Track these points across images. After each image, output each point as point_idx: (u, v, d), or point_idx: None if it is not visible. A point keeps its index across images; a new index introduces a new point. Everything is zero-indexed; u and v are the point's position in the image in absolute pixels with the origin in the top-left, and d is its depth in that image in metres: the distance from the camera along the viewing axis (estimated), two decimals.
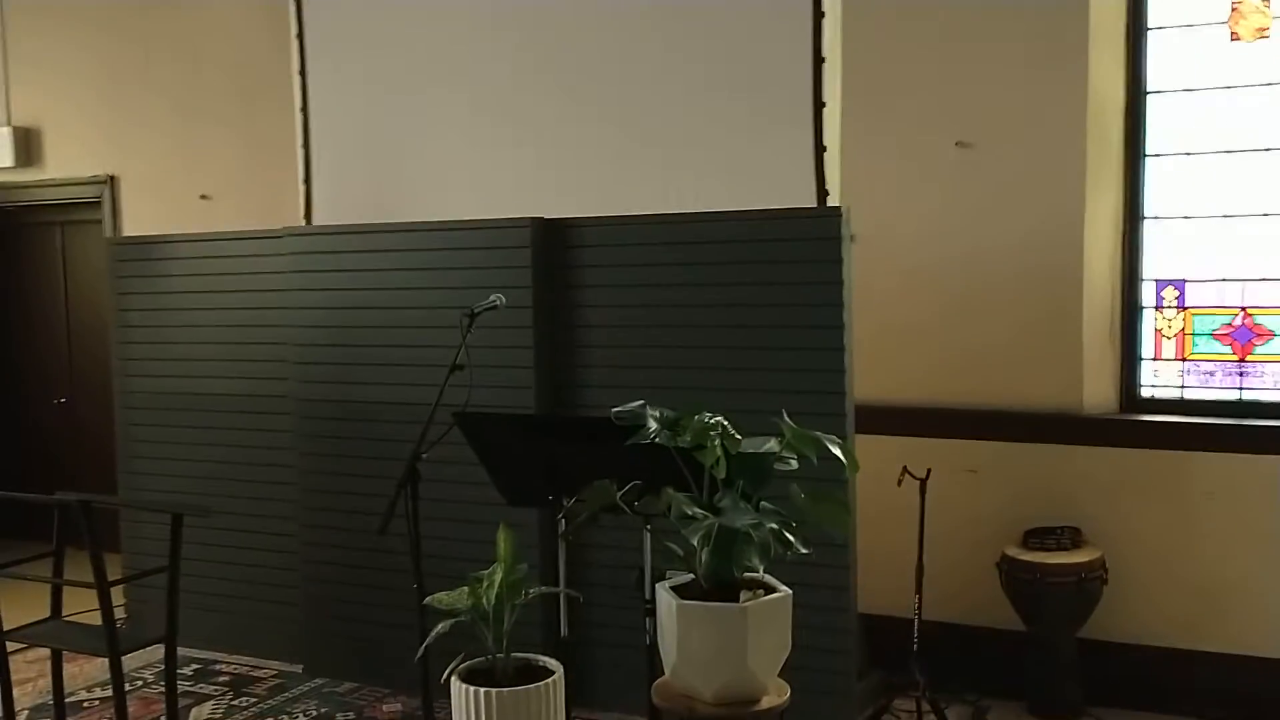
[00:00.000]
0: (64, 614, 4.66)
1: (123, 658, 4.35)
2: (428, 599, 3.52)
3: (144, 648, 4.68)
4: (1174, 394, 5.06)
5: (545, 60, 5.71)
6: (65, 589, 4.60)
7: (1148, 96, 5.03)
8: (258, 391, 5.44)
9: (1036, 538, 4.86)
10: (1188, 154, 4.98)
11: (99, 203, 7.48)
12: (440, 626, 3.34)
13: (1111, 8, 4.98)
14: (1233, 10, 4.87)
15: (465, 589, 3.37)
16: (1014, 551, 4.85)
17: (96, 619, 4.33)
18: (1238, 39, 4.87)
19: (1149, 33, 5.01)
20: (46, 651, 4.77)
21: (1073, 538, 4.85)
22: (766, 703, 2.82)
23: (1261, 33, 4.83)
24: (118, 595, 4.68)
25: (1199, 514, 4.80)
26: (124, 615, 5.51)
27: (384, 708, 4.99)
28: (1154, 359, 5.10)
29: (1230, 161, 4.90)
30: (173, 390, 5.69)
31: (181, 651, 4.68)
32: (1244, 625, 4.75)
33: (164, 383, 5.71)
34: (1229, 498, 4.75)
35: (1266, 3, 4.81)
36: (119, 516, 5.85)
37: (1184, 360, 5.04)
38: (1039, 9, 4.95)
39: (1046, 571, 4.69)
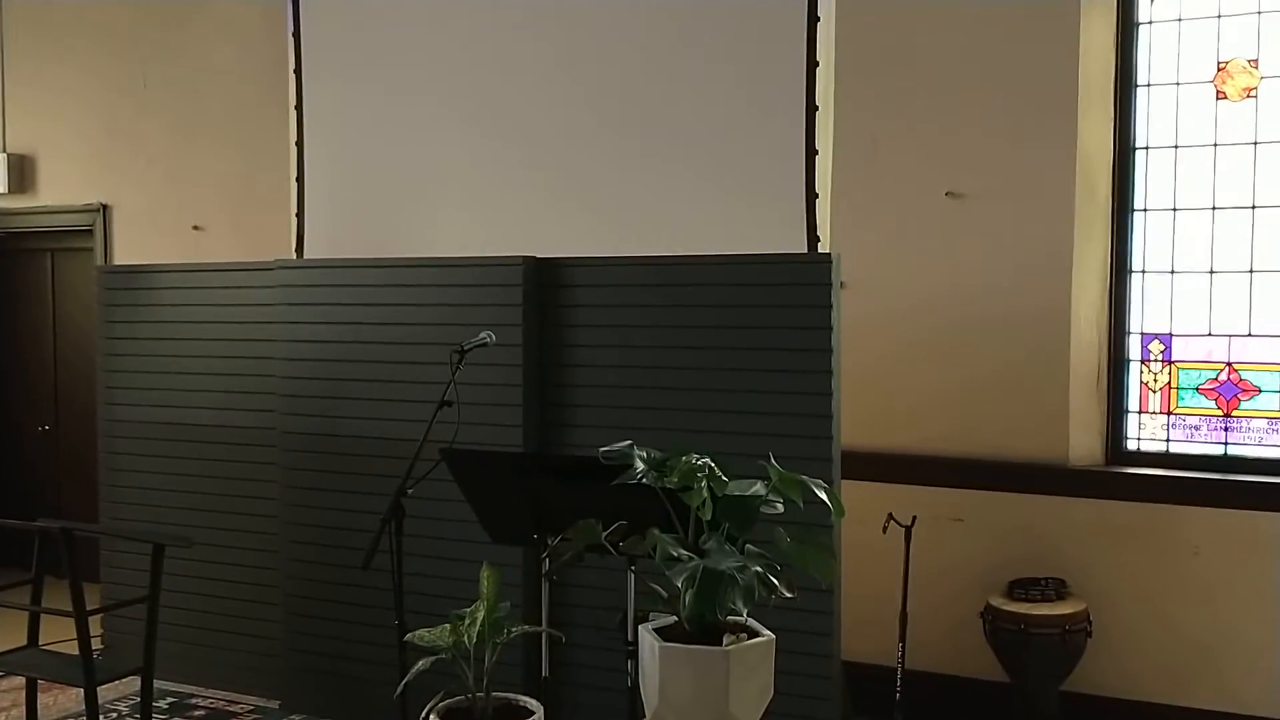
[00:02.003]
0: (41, 642, 4.62)
1: (98, 688, 4.31)
2: (408, 636, 3.48)
3: (120, 679, 4.63)
4: (1159, 447, 5.08)
5: (538, 102, 5.75)
6: (43, 617, 4.56)
7: (1136, 152, 5.09)
8: (243, 423, 5.43)
9: (1021, 588, 4.85)
10: (1175, 209, 5.03)
11: (91, 231, 7.49)
12: (420, 664, 3.31)
13: (1101, 64, 5.05)
14: (1219, 70, 4.94)
15: (447, 626, 3.34)
16: (998, 602, 4.84)
17: (73, 648, 4.30)
18: (1224, 98, 4.93)
19: (1138, 89, 5.07)
20: (22, 680, 4.72)
21: (1057, 589, 4.84)
22: None
23: (1248, 92, 4.90)
24: (95, 625, 4.65)
25: (1184, 568, 4.80)
26: (101, 645, 5.46)
27: None
28: (1139, 412, 5.12)
29: (1217, 218, 4.96)
30: (157, 420, 5.67)
31: (158, 684, 4.64)
32: (1229, 681, 4.74)
33: (149, 412, 5.69)
34: (1214, 552, 4.76)
35: (1253, 63, 4.88)
36: (99, 545, 5.81)
37: (1169, 414, 5.07)
38: (1030, 64, 5.01)
39: (1031, 622, 4.68)
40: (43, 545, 4.57)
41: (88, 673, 4.25)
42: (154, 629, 4.45)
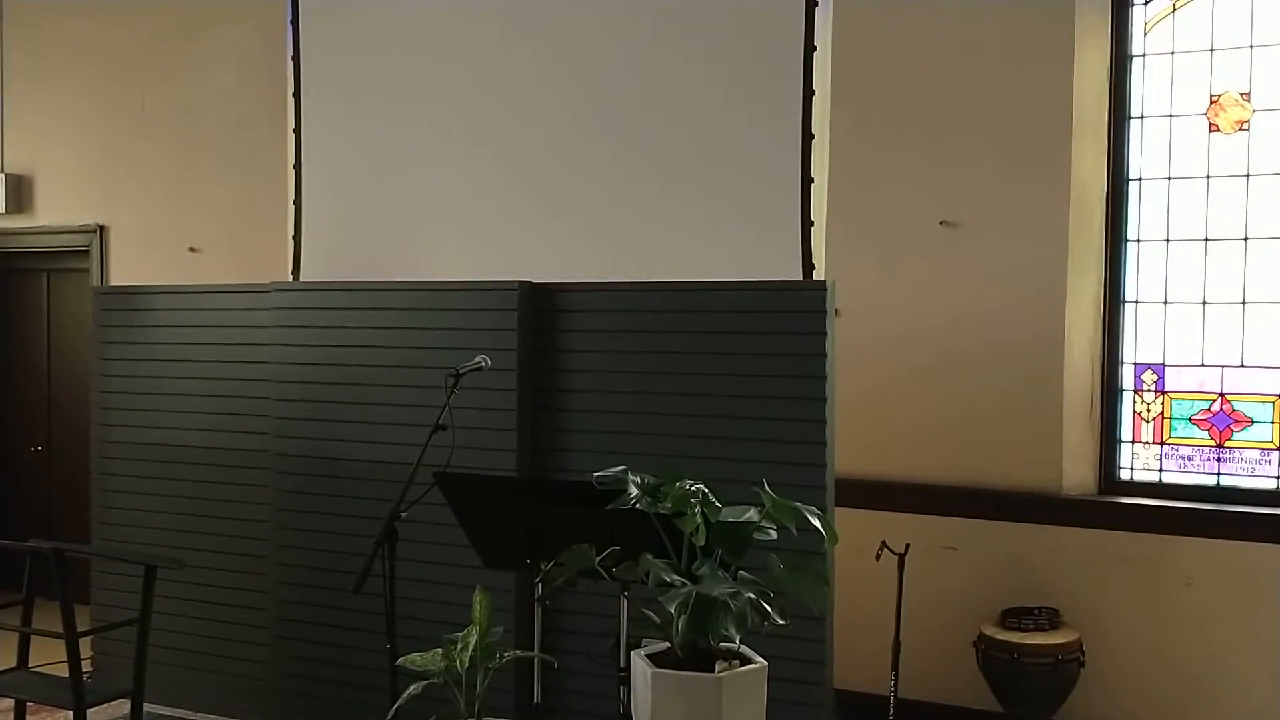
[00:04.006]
0: (30, 664, 4.60)
1: (88, 711, 4.29)
2: (400, 660, 3.48)
3: (110, 701, 4.61)
4: (1152, 477, 5.08)
5: (536, 128, 5.78)
6: (33, 639, 4.54)
7: (1129, 183, 5.12)
8: (237, 445, 5.41)
9: (1014, 617, 4.85)
10: (1168, 240, 5.06)
11: (87, 252, 7.50)
12: (412, 688, 3.30)
13: (1095, 96, 5.09)
14: (1212, 102, 4.98)
15: (439, 651, 3.33)
16: (991, 631, 4.83)
17: (63, 670, 4.27)
18: (1216, 130, 4.97)
19: (1131, 121, 5.11)
20: (10, 702, 4.69)
21: (1050, 618, 4.84)
22: None
23: (1240, 125, 4.93)
24: (85, 647, 4.62)
25: (1177, 598, 4.80)
26: (91, 668, 5.43)
27: None
28: (1133, 442, 5.13)
29: (1210, 249, 4.98)
30: (151, 441, 5.65)
31: (147, 707, 4.61)
32: (1221, 712, 4.73)
33: (143, 433, 5.67)
34: (1207, 583, 4.76)
35: (1245, 96, 4.92)
36: (90, 566, 5.78)
37: (1162, 444, 5.08)
38: (1024, 95, 5.05)
39: (1024, 652, 4.67)
40: (33, 566, 4.55)
41: (77, 695, 4.23)
42: (144, 651, 4.43)
